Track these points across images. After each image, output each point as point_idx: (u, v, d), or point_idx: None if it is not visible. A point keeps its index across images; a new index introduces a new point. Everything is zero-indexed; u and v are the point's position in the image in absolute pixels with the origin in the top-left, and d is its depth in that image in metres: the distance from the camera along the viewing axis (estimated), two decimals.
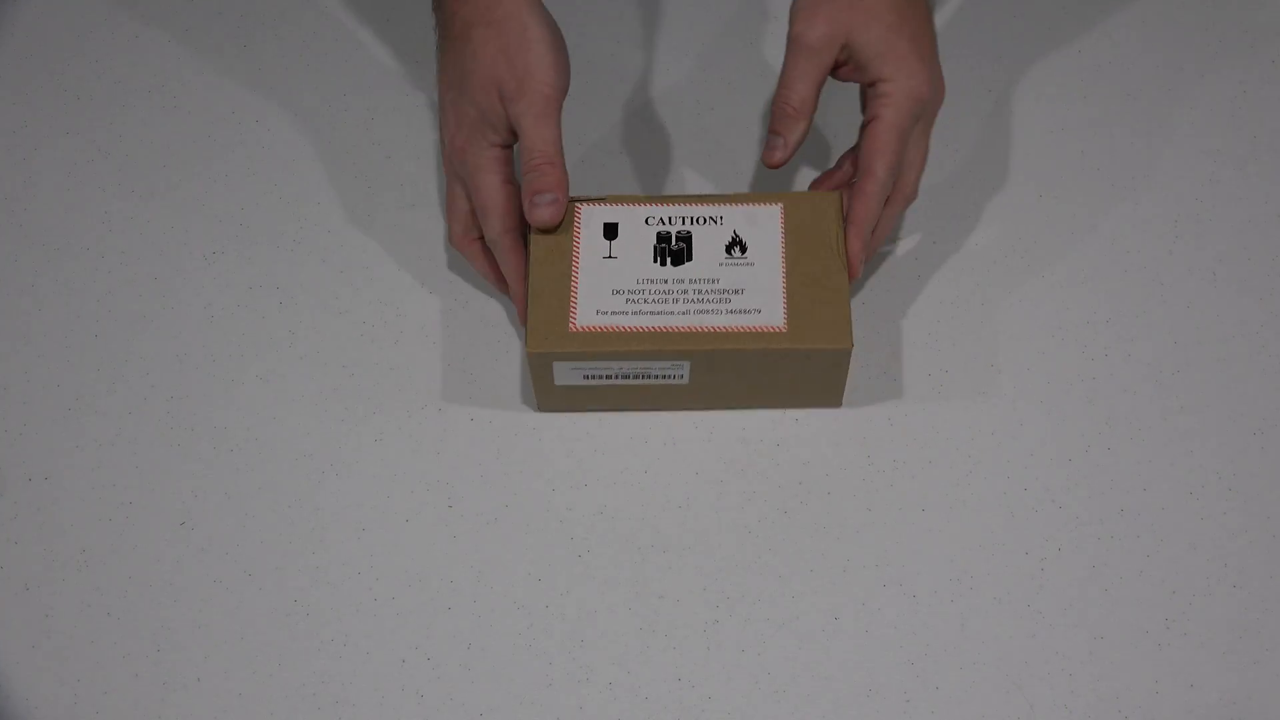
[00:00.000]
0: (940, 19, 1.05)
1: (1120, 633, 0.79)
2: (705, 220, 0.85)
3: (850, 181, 0.88)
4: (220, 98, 1.02)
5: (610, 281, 0.84)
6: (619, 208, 0.86)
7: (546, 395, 0.85)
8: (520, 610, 0.81)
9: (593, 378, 0.83)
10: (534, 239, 0.85)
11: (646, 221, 0.86)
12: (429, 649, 0.80)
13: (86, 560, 0.83)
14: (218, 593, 0.82)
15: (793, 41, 0.85)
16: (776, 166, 0.86)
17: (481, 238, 0.88)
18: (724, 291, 0.83)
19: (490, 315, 0.91)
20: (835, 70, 0.86)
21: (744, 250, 0.85)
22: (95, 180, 0.98)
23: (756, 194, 0.86)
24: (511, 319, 0.91)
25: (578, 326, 0.82)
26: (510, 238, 0.86)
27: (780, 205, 0.86)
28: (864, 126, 0.85)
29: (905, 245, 0.94)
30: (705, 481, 0.85)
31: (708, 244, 0.85)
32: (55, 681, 0.79)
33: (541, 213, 0.84)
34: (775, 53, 1.03)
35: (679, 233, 0.85)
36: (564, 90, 0.84)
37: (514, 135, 0.85)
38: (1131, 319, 0.91)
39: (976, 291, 0.92)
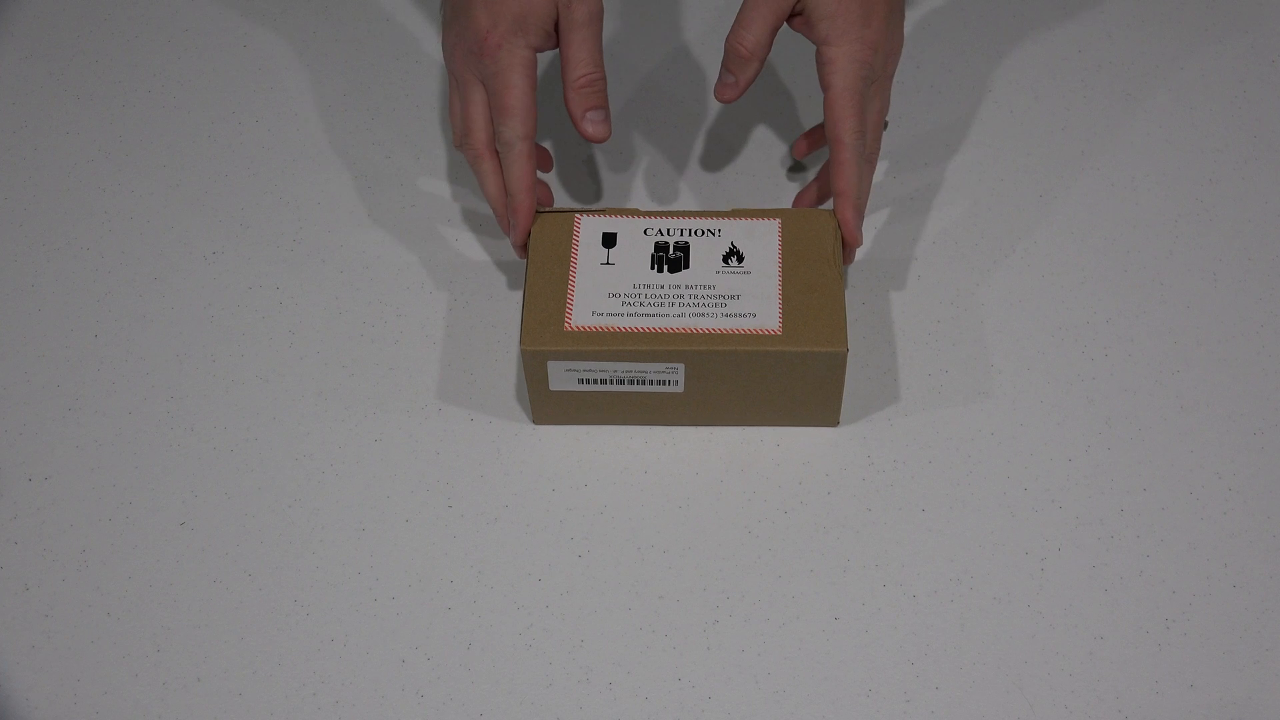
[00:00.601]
0: (940, 18, 1.05)
1: (1120, 633, 0.79)
2: (703, 233, 0.86)
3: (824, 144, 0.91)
4: (220, 98, 1.03)
5: (607, 286, 0.84)
6: (618, 219, 0.87)
7: (542, 403, 0.85)
8: (520, 610, 0.81)
9: (587, 382, 0.83)
10: (533, 244, 0.86)
11: (645, 232, 0.86)
12: (429, 649, 0.80)
13: (86, 560, 0.83)
14: (218, 593, 0.82)
15: None
16: (728, 102, 0.89)
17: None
18: (720, 297, 0.83)
19: (490, 316, 0.91)
20: (790, 19, 0.87)
21: (741, 260, 0.85)
22: (95, 180, 0.98)
23: (755, 210, 0.87)
24: (511, 320, 0.91)
25: (573, 326, 0.82)
26: (526, 144, 0.85)
27: (778, 220, 0.86)
28: (824, 94, 0.87)
29: (904, 244, 0.94)
30: (705, 481, 0.85)
31: (705, 254, 0.85)
32: (55, 681, 0.79)
33: (598, 129, 0.86)
34: (776, 53, 1.03)
35: (677, 243, 0.86)
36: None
37: (549, 42, 0.85)
38: (1131, 319, 0.91)
39: (975, 291, 0.92)
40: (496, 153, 0.87)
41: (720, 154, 0.99)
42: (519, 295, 0.91)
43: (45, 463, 0.86)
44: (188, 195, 0.98)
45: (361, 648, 0.80)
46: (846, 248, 0.86)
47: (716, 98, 0.89)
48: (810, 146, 0.95)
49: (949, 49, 1.04)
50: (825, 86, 0.86)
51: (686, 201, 0.97)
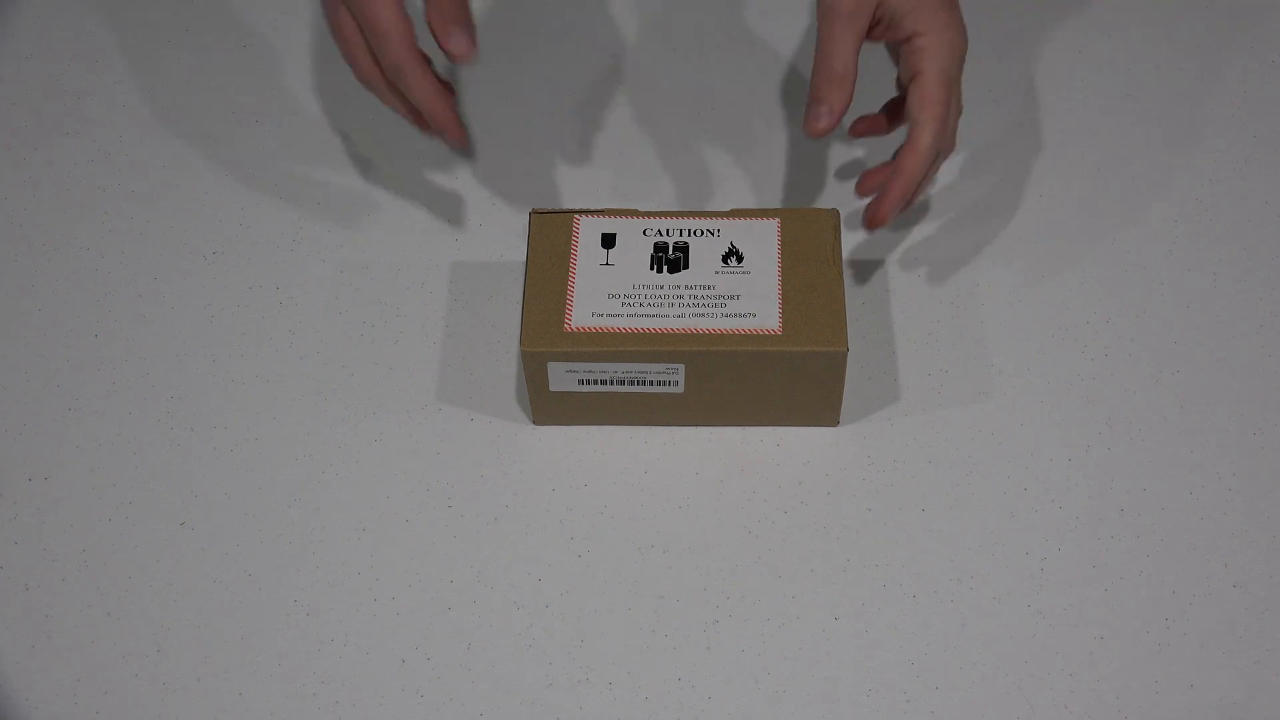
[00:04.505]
0: None
1: (1120, 633, 0.79)
2: (703, 233, 0.86)
3: (887, 131, 0.91)
4: (220, 98, 1.03)
5: (607, 286, 0.84)
6: (617, 219, 0.87)
7: (542, 404, 0.85)
8: (520, 610, 0.81)
9: (587, 382, 0.83)
10: (532, 245, 0.86)
11: (644, 233, 0.86)
12: (429, 649, 0.80)
13: (86, 560, 0.83)
14: (218, 593, 0.82)
15: (828, 10, 0.84)
16: (820, 135, 0.84)
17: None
18: (720, 297, 0.83)
19: (490, 316, 0.91)
20: (870, 30, 0.85)
21: (740, 260, 0.85)
22: (95, 180, 0.98)
23: (754, 209, 0.87)
24: (511, 320, 0.91)
25: (573, 327, 0.82)
26: (413, 61, 0.83)
27: (777, 220, 0.86)
28: (908, 84, 0.85)
29: (905, 244, 0.94)
30: (705, 481, 0.85)
31: (705, 254, 0.85)
32: (55, 681, 0.79)
33: (456, 44, 0.82)
34: (776, 53, 1.03)
35: (676, 243, 0.86)
36: None
37: None
38: (1131, 319, 0.91)
39: (976, 291, 0.92)
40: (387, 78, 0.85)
41: (720, 154, 0.99)
42: (519, 295, 0.91)
43: (45, 463, 0.86)
44: (188, 195, 0.98)
45: (361, 648, 0.80)
46: (869, 222, 0.85)
47: (808, 132, 0.84)
48: (868, 129, 0.91)
49: None
50: (916, 73, 0.84)
51: (686, 201, 0.97)
